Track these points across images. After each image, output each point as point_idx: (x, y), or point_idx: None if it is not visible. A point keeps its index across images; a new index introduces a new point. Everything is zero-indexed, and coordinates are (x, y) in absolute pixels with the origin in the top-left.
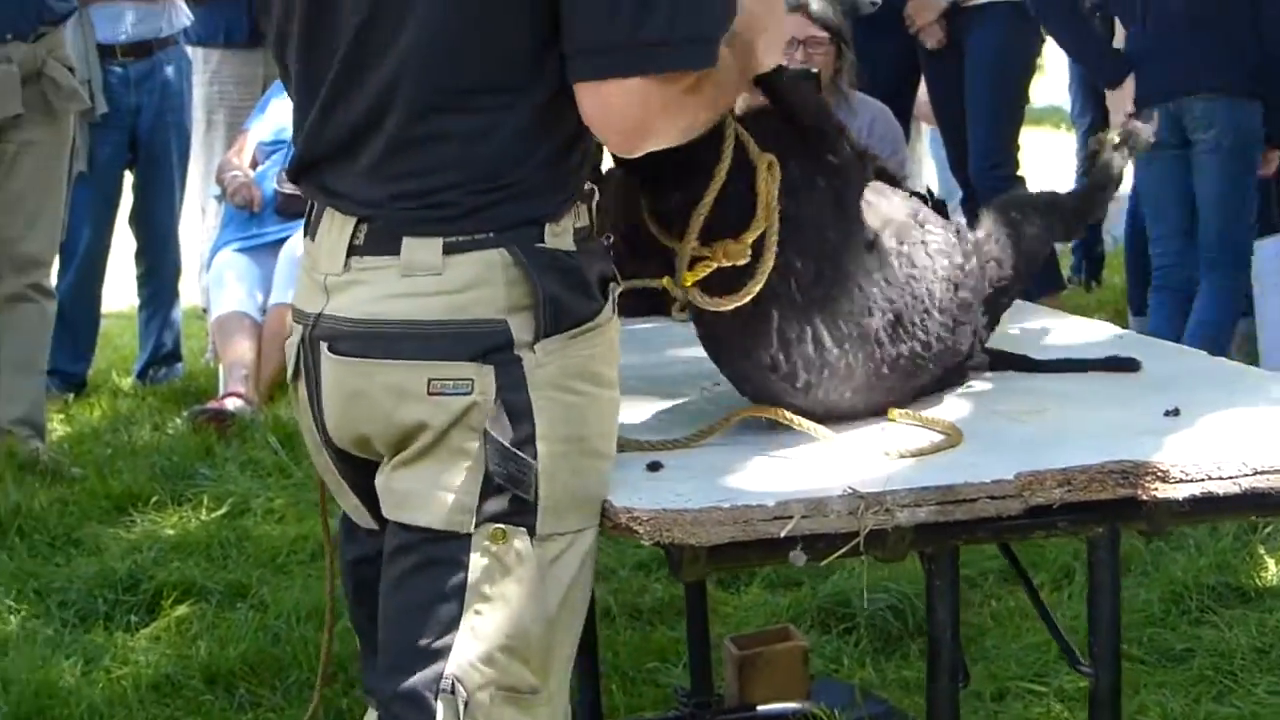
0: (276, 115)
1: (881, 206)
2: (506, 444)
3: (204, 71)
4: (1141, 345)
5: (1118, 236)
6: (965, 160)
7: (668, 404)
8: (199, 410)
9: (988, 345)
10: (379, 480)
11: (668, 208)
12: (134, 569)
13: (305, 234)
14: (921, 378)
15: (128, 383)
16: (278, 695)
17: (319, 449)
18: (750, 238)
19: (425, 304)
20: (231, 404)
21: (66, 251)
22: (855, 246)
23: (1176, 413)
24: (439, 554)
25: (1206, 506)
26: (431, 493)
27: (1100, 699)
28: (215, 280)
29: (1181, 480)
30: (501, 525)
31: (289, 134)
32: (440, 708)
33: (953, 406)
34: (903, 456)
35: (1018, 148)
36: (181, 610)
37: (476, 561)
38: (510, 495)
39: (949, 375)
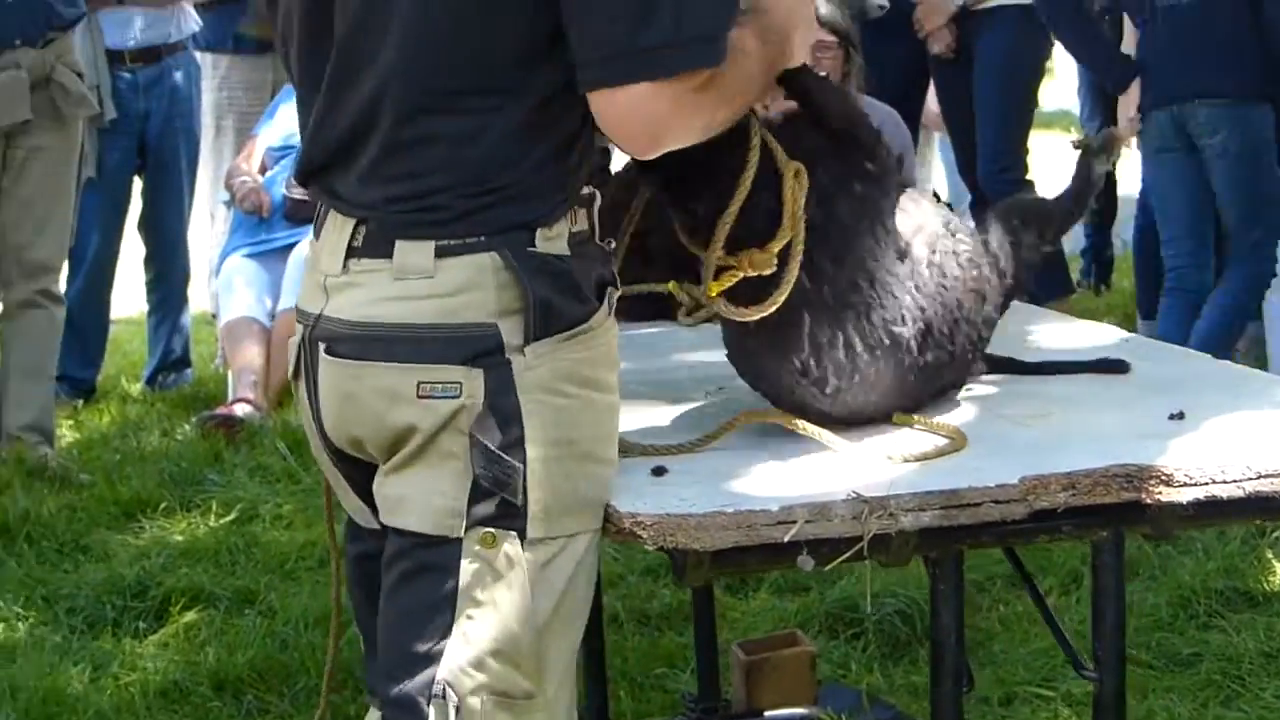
0: (285, 121)
1: (914, 214)
2: (492, 447)
3: (213, 77)
4: (1147, 349)
5: (1127, 240)
6: (974, 164)
7: (672, 409)
8: (208, 416)
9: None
10: (375, 485)
11: (694, 217)
12: (142, 575)
13: (313, 234)
14: (940, 384)
15: (137, 388)
16: (285, 701)
17: (320, 449)
18: (776, 247)
19: (417, 307)
20: (240, 410)
21: (75, 257)
22: (888, 254)
23: (1181, 416)
24: (431, 559)
25: (1211, 510)
26: (422, 497)
27: (1104, 704)
28: (224, 286)
29: (1186, 484)
30: (491, 529)
31: (298, 139)
32: (432, 713)
33: (956, 411)
34: (906, 461)
35: (1027, 151)
36: (190, 616)
37: (467, 566)
38: (499, 499)
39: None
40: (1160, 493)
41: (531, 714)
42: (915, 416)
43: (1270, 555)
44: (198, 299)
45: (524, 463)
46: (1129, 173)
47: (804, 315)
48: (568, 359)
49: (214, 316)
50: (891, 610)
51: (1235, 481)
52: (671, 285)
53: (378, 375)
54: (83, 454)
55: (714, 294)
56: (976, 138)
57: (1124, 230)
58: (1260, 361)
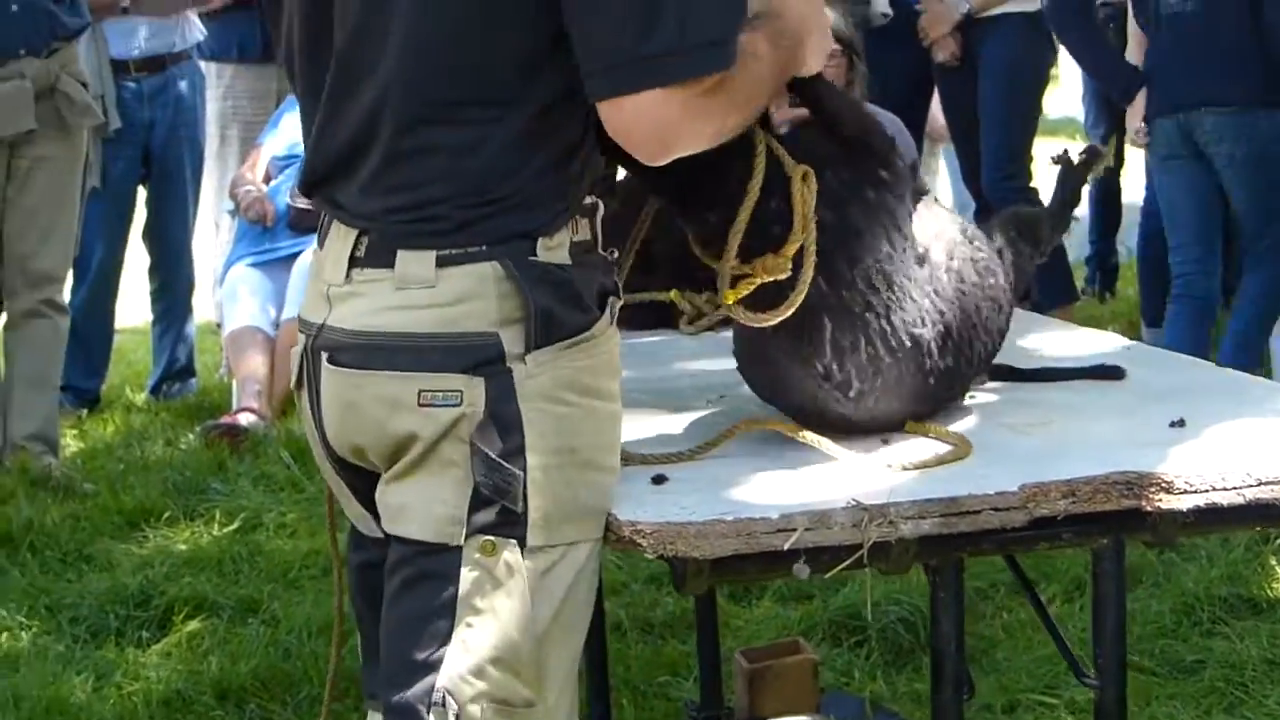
0: (289, 130)
1: (932, 220)
2: (492, 454)
3: (217, 86)
4: (1147, 356)
5: (1132, 248)
6: (978, 172)
7: (674, 417)
8: (211, 425)
9: None
10: (377, 494)
11: (705, 227)
12: (145, 584)
13: (316, 244)
14: (956, 389)
15: (141, 398)
16: (288, 711)
17: (322, 457)
18: (790, 250)
19: (418, 317)
20: (244, 419)
21: (80, 267)
22: (907, 258)
23: (1182, 424)
24: (432, 567)
25: (1211, 518)
26: (423, 505)
27: (1106, 711)
28: (228, 295)
29: (1186, 491)
30: (491, 537)
31: (302, 149)
32: None
33: (957, 418)
34: (905, 469)
35: (1031, 159)
36: (193, 626)
37: (467, 574)
38: (499, 506)
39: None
40: (1161, 500)
41: None
42: (928, 425)
43: (1274, 562)
44: (202, 308)
45: (524, 470)
46: (1133, 181)
47: (825, 320)
48: (569, 367)
49: (218, 326)
50: (894, 618)
51: (1236, 489)
52: (673, 294)
53: (379, 384)
54: (87, 463)
55: (731, 302)
56: (981, 145)
57: (1128, 238)
58: (1264, 368)
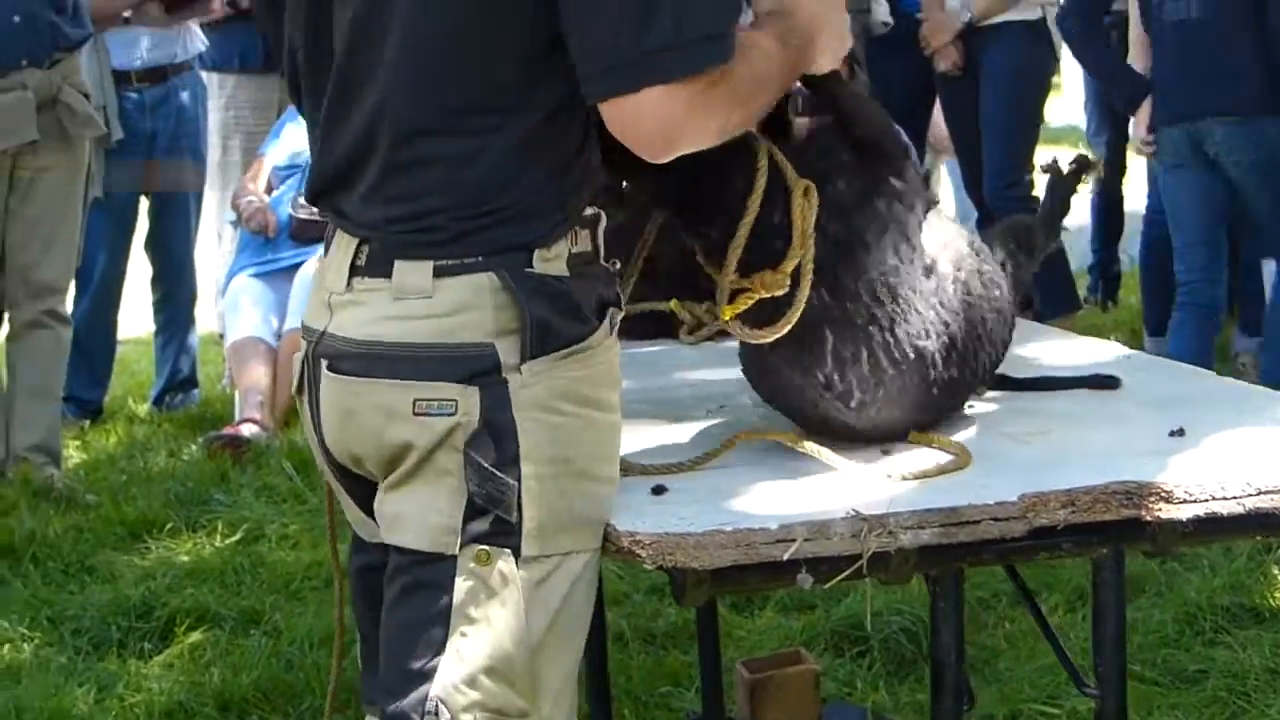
0: (291, 140)
1: (939, 231)
2: (485, 464)
3: (219, 97)
4: (1147, 365)
5: (1134, 256)
6: (980, 181)
7: (673, 427)
8: (214, 436)
9: None
10: (375, 503)
11: (708, 241)
12: (147, 596)
13: (322, 251)
14: (959, 400)
15: (144, 409)
16: None
17: (322, 462)
18: (789, 267)
19: (415, 326)
20: (247, 430)
21: (82, 278)
22: (913, 270)
23: (1181, 433)
24: (428, 576)
25: (1211, 527)
26: (419, 514)
27: None
28: (230, 305)
29: (1185, 501)
30: (485, 547)
31: (304, 159)
32: None
33: (956, 427)
34: (904, 479)
35: (1033, 168)
36: (195, 637)
37: (461, 583)
38: (493, 516)
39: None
40: (1160, 510)
41: None
42: (931, 435)
43: (1276, 571)
44: (205, 319)
45: (519, 480)
46: (1135, 189)
47: (826, 331)
48: (565, 377)
49: (221, 336)
50: (896, 628)
51: (1235, 498)
52: (673, 303)
53: (376, 392)
54: (89, 474)
55: (728, 317)
56: (983, 154)
57: (1131, 246)
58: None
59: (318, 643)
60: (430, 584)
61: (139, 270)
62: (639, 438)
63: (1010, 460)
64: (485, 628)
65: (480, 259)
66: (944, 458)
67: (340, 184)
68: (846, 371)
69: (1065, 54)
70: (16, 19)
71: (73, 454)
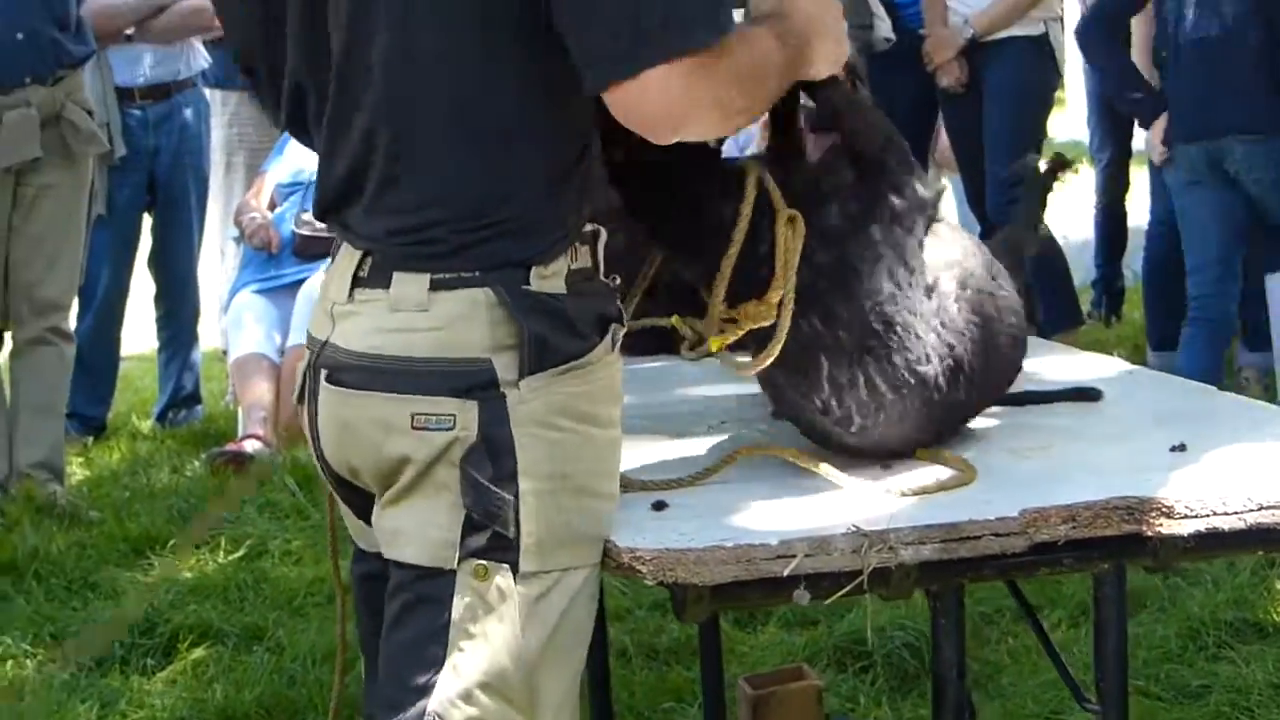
0: (294, 157)
1: (947, 246)
2: (481, 479)
3: (222, 114)
4: (1149, 381)
5: (1138, 271)
6: (983, 195)
7: (674, 443)
8: (217, 453)
9: None
10: (374, 518)
11: (697, 273)
12: (150, 612)
13: (330, 262)
14: (967, 418)
15: (147, 425)
16: None
17: (321, 471)
18: (774, 298)
19: (411, 340)
20: (250, 446)
21: (85, 294)
22: (913, 294)
23: (1183, 448)
24: (428, 591)
25: (1212, 542)
26: (418, 529)
27: None
28: (234, 322)
29: (1187, 516)
30: (483, 562)
31: (306, 175)
32: None
33: (956, 442)
34: (904, 495)
35: None
36: (198, 653)
37: (459, 599)
38: (490, 531)
39: None
40: (1161, 525)
41: None
42: (937, 450)
43: None
44: (208, 335)
45: (516, 495)
46: (1139, 204)
47: (820, 358)
48: (563, 393)
49: (224, 353)
50: (899, 643)
51: (1237, 513)
52: (675, 319)
53: (374, 406)
54: (92, 491)
55: (715, 349)
56: (985, 169)
57: (1134, 261)
58: (1270, 393)
59: (320, 659)
60: (430, 599)
61: (142, 287)
62: (640, 453)
63: (1011, 475)
64: (483, 643)
65: (477, 273)
66: (946, 473)
67: (344, 199)
68: (844, 397)
69: (1069, 69)
70: (20, 36)
71: (76, 470)
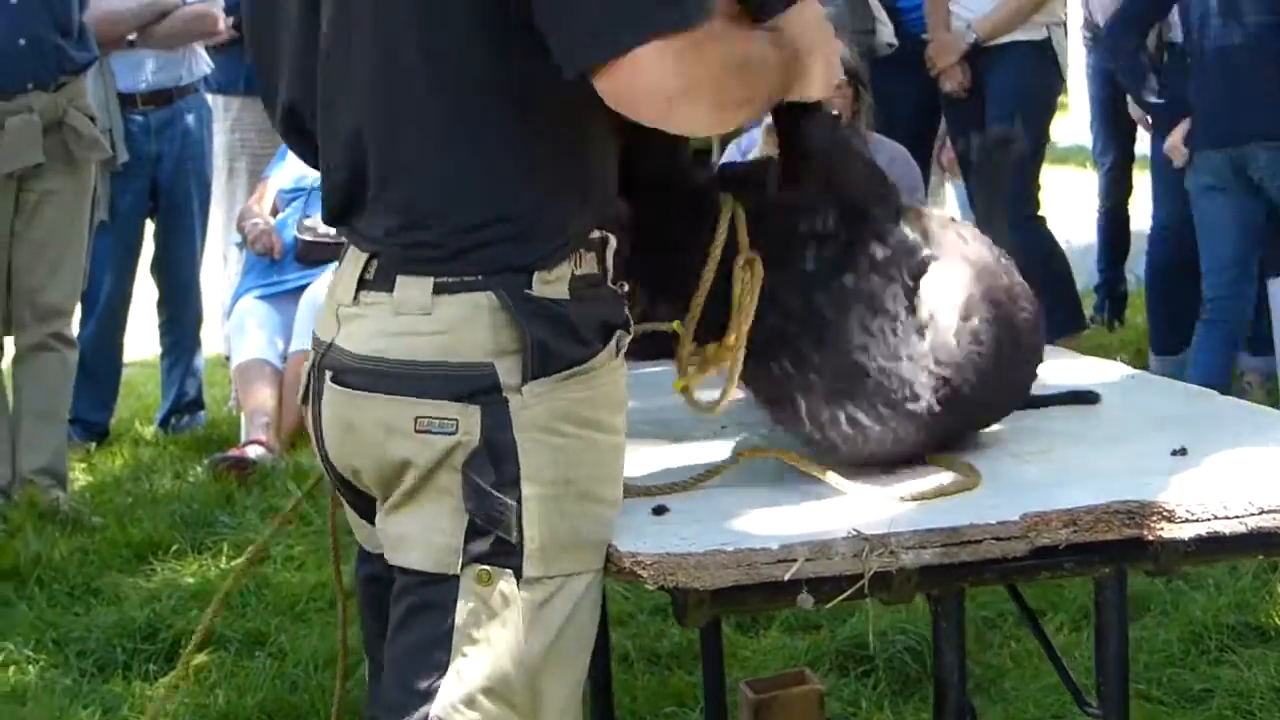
0: (296, 163)
1: (956, 275)
2: (484, 484)
3: (225, 119)
4: (1150, 385)
5: (1140, 276)
6: None
7: (675, 447)
8: (220, 458)
9: None
10: (378, 524)
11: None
12: (153, 618)
13: (338, 264)
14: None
15: (150, 431)
16: None
17: (325, 472)
18: (730, 340)
19: (414, 343)
20: (253, 452)
21: (88, 300)
22: (891, 340)
23: (1184, 452)
24: (431, 597)
25: (1213, 546)
26: (422, 535)
27: None
28: (236, 327)
29: (1188, 520)
30: (486, 567)
31: (309, 181)
32: None
33: (958, 445)
34: (903, 500)
35: (1039, 187)
36: (200, 659)
37: (463, 604)
38: (493, 536)
39: None
40: (1162, 529)
41: None
42: (948, 456)
43: None
44: (211, 341)
45: (519, 501)
46: (1141, 209)
47: (797, 398)
48: (565, 398)
49: (227, 359)
50: (901, 648)
51: (1238, 517)
52: (675, 324)
53: (378, 407)
54: (95, 497)
55: (680, 389)
56: None
57: (1137, 265)
58: (1272, 397)
59: (322, 664)
60: (435, 605)
61: (145, 293)
62: (641, 457)
63: (1012, 479)
64: (486, 648)
65: (480, 277)
66: (947, 477)
67: (348, 202)
68: (827, 430)
69: (1071, 73)
70: (22, 42)
71: (79, 476)
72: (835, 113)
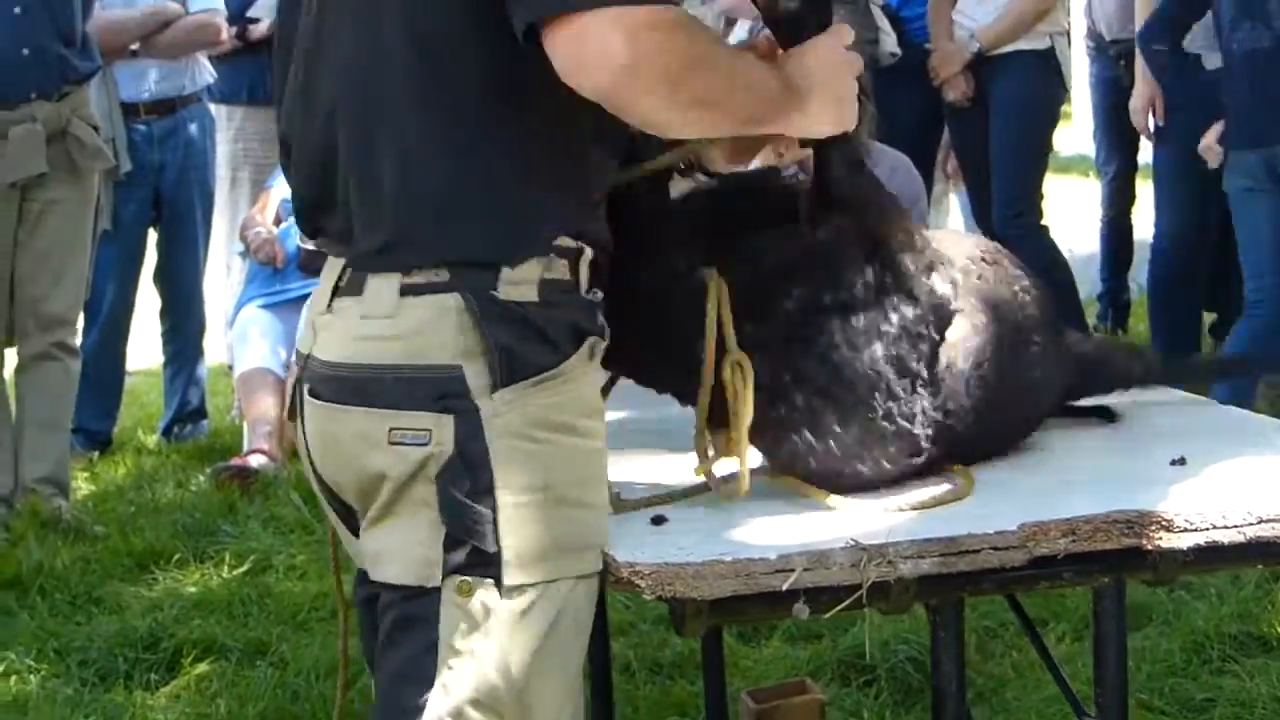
0: None
1: (974, 318)
2: (459, 495)
3: (228, 129)
4: (1151, 394)
5: (1143, 285)
6: (989, 209)
7: (673, 457)
8: (222, 467)
9: None
10: (360, 542)
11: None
12: (155, 627)
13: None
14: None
15: (152, 440)
16: None
17: (317, 488)
18: (734, 438)
19: (380, 347)
20: (255, 461)
21: (91, 310)
22: (914, 396)
23: (1183, 462)
24: (415, 611)
25: (1212, 556)
26: (401, 549)
27: None
28: (239, 337)
29: (1186, 530)
30: (466, 578)
31: None
32: None
33: None
34: (899, 510)
35: (1041, 196)
36: (202, 668)
37: (446, 616)
38: (470, 547)
39: None
40: (1161, 539)
41: None
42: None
43: None
44: (214, 350)
45: (494, 509)
46: (1144, 217)
47: (810, 462)
48: (537, 404)
49: (230, 368)
50: (903, 657)
51: (1236, 527)
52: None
53: (354, 420)
54: (97, 506)
55: (699, 474)
56: (991, 184)
57: (1140, 274)
58: (1276, 407)
59: (324, 674)
60: (418, 619)
61: (147, 302)
62: (639, 467)
63: (1010, 489)
64: (470, 660)
65: (447, 278)
66: (942, 486)
67: (319, 211)
68: (817, 474)
69: (1075, 82)
70: (25, 52)
71: (81, 485)
72: (859, 158)
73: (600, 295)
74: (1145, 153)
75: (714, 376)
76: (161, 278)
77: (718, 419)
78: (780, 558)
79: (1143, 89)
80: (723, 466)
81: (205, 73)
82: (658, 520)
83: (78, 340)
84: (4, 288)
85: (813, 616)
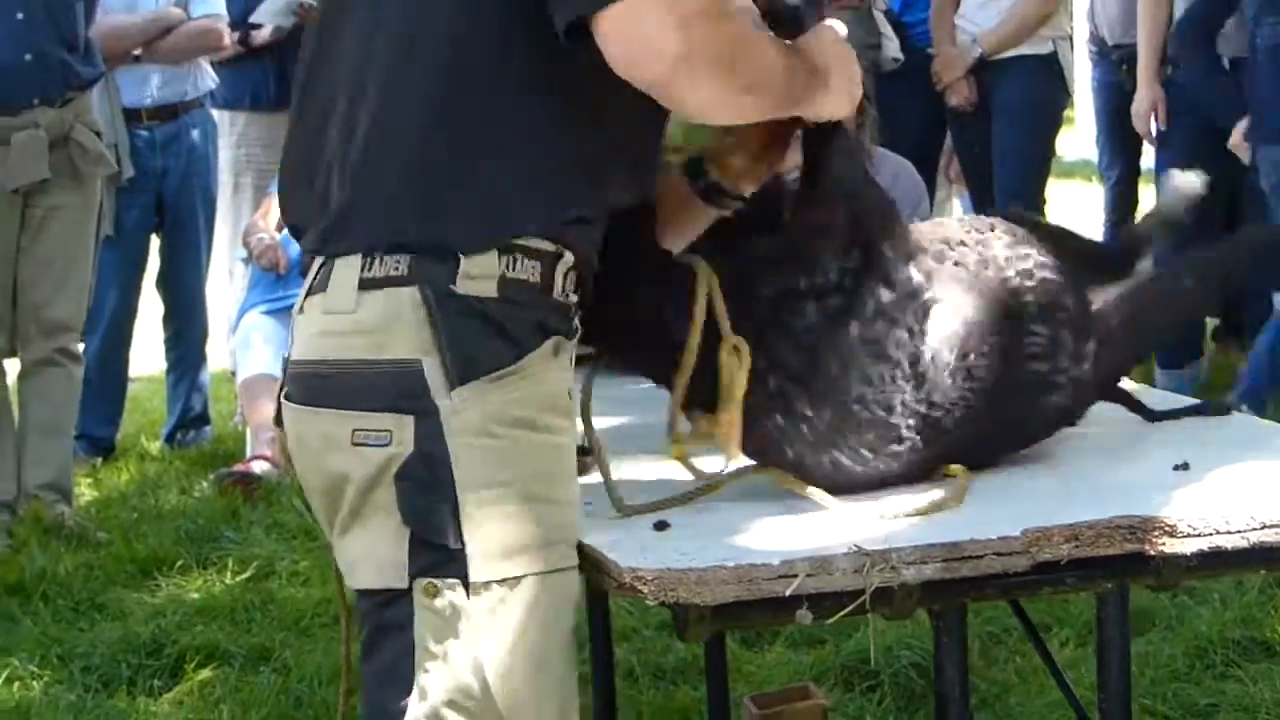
0: None
1: (962, 311)
2: (420, 495)
3: (230, 134)
4: (1155, 399)
5: None
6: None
7: (675, 462)
8: (225, 473)
9: None
10: (335, 551)
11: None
12: (157, 633)
13: None
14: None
15: (155, 446)
16: None
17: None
18: (722, 419)
19: (342, 342)
20: (258, 467)
21: (93, 316)
22: (893, 384)
23: (1186, 467)
24: (389, 617)
25: (1215, 561)
26: (369, 553)
27: None
28: (242, 342)
29: (1189, 535)
30: (432, 579)
31: None
32: None
33: None
34: (897, 516)
35: (1044, 201)
36: (204, 674)
37: (417, 619)
38: (435, 547)
39: None
40: (1164, 544)
41: None
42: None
43: None
44: (216, 356)
45: (456, 508)
46: None
47: (786, 449)
48: (496, 400)
49: (233, 374)
50: (906, 663)
51: (1239, 532)
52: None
53: (320, 422)
54: (100, 512)
55: (676, 457)
56: (994, 188)
57: None
58: None
59: (327, 680)
60: (393, 624)
61: (150, 308)
62: (641, 473)
63: (1013, 494)
64: (442, 662)
65: (405, 273)
66: (940, 491)
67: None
68: (812, 473)
69: (1078, 87)
70: (28, 57)
71: (84, 491)
72: (859, 142)
73: (575, 299)
74: (1148, 157)
75: (697, 360)
76: (164, 283)
77: (695, 402)
78: (783, 563)
79: (1145, 93)
80: (699, 450)
81: (208, 78)
82: (660, 525)
83: (80, 346)
84: (6, 294)
85: (816, 622)
